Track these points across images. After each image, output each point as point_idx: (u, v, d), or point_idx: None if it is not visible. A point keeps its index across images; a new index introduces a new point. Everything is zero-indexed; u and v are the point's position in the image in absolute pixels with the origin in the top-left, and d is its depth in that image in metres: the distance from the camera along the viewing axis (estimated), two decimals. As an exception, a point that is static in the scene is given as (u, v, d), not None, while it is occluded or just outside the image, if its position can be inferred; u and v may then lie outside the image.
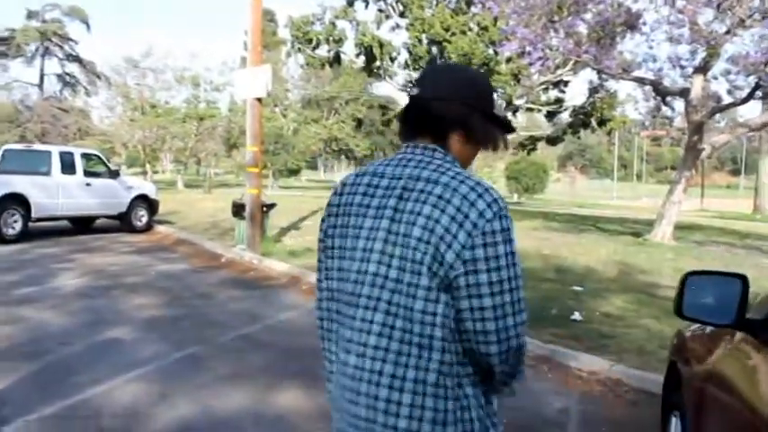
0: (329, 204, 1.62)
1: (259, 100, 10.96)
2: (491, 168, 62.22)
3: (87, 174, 13.14)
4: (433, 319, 1.40)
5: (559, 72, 23.60)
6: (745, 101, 13.97)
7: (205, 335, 6.04)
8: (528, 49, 14.35)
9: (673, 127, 24.29)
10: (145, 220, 14.29)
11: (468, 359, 1.45)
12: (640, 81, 15.30)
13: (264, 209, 11.26)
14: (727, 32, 12.24)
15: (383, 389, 1.43)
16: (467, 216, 1.38)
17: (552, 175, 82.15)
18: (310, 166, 77.76)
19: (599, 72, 22.69)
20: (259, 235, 10.94)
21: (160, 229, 14.40)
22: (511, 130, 1.68)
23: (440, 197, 1.41)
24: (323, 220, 1.63)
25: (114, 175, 13.74)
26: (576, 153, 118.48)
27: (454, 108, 1.54)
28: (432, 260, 1.38)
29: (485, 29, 22.87)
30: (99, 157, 14.02)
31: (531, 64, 15.58)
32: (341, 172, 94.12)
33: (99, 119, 53.81)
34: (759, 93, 13.41)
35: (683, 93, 14.28)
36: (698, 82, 13.86)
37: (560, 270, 9.91)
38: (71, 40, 48.78)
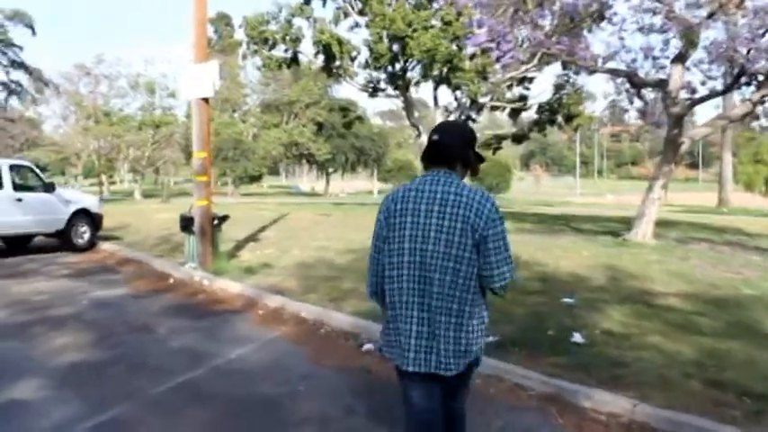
0: (387, 209, 2.84)
1: (206, 100, 9.82)
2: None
3: (17, 188, 11.77)
4: (472, 274, 2.73)
5: (524, 68, 22.85)
6: (726, 91, 13.30)
7: (135, 386, 4.89)
8: (498, 40, 13.46)
9: (641, 123, 23.69)
10: (87, 236, 12.94)
11: (483, 292, 2.83)
12: (614, 73, 14.52)
13: (216, 221, 10.13)
14: (710, 16, 11.47)
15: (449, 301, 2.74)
16: (482, 212, 2.70)
17: (515, 173, 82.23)
18: (272, 171, 76.55)
19: (567, 65, 22.06)
20: (210, 251, 9.80)
21: (105, 246, 13.10)
22: (483, 160, 3.01)
23: (467, 203, 2.71)
24: (383, 219, 2.86)
25: (49, 188, 12.36)
26: (538, 151, 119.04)
27: (460, 150, 2.87)
28: (473, 239, 2.69)
29: (448, 23, 21.95)
30: (31, 169, 12.64)
31: (499, 59, 14.70)
32: (303, 177, 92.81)
33: (52, 128, 52.04)
34: (742, 80, 12.68)
35: (661, 84, 13.54)
36: (677, 72, 13.12)
37: (545, 279, 8.97)
38: (15, 45, 46.45)
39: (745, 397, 4.58)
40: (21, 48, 46.53)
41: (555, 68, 23.18)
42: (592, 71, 14.95)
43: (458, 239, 2.66)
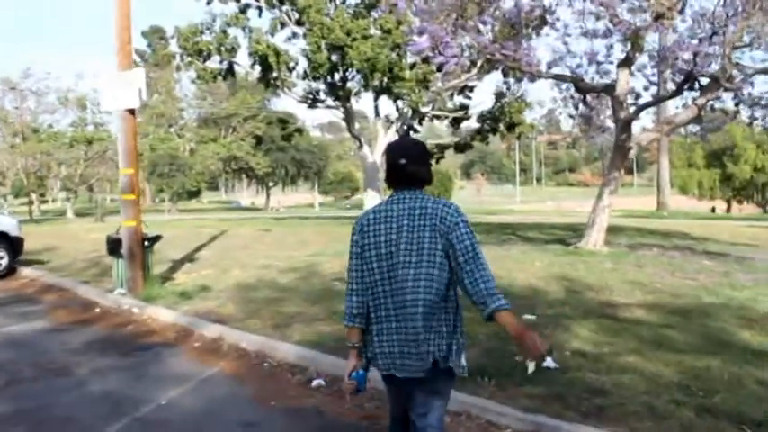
0: (362, 229, 2.99)
1: (132, 112, 9.01)
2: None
3: (-77, 211, 10.72)
4: (446, 279, 2.83)
5: (466, 77, 22.56)
6: (674, 95, 13.15)
7: (41, 447, 4.11)
8: (440, 47, 13.01)
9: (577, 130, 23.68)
10: (5, 262, 11.83)
11: (453, 300, 2.91)
12: (560, 78, 14.27)
13: (147, 242, 9.30)
14: (657, 19, 11.25)
15: (420, 314, 2.82)
16: (445, 218, 2.83)
17: (456, 183, 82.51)
18: (211, 186, 74.89)
19: (509, 72, 21.88)
20: (141, 275, 8.96)
21: (25, 272, 12.03)
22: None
23: (432, 213, 2.85)
24: (358, 239, 3.00)
25: (-39, 211, 11.33)
26: (477, 160, 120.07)
27: (423, 170, 2.99)
28: (441, 244, 2.81)
29: (388, 32, 21.48)
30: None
31: (442, 66, 14.26)
32: (243, 191, 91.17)
33: (-24, 147, 49.42)
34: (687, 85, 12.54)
35: (607, 89, 13.32)
36: (623, 76, 12.92)
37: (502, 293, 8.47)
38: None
39: (744, 426, 4.12)
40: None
41: (495, 77, 23.08)
42: (537, 77, 14.65)
43: (428, 246, 2.82)
